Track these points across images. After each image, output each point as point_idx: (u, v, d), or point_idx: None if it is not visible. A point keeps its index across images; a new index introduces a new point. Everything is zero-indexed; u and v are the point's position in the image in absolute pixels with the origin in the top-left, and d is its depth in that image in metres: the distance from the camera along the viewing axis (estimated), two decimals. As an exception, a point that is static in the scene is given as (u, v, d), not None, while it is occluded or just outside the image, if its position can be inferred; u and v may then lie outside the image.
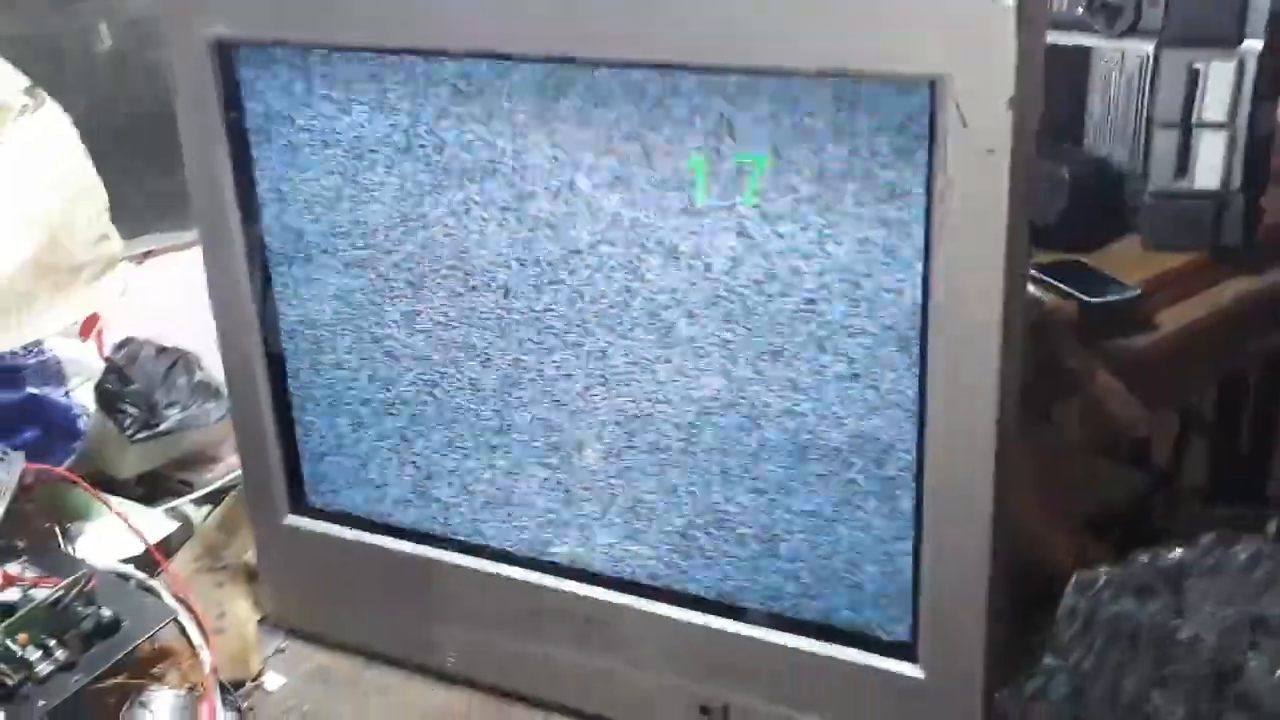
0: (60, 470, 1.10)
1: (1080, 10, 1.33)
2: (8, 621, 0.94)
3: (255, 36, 0.94)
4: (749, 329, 0.85)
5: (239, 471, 1.17)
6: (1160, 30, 1.28)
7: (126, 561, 1.08)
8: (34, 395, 1.12)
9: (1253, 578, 0.55)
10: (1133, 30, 1.31)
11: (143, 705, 0.96)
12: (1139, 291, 1.26)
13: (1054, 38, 1.28)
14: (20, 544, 1.07)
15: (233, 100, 0.96)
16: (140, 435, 1.22)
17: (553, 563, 0.99)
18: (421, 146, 0.91)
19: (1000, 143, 0.74)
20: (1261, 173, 1.29)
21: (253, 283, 1.01)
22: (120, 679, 0.96)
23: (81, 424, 1.14)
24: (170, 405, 1.25)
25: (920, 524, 0.85)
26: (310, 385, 1.03)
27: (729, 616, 0.94)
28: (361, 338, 0.99)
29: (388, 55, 0.90)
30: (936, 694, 0.88)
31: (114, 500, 1.13)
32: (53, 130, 1.14)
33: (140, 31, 1.46)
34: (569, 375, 0.92)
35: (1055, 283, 1.24)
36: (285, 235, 0.99)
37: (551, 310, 0.91)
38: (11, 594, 0.98)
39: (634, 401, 0.91)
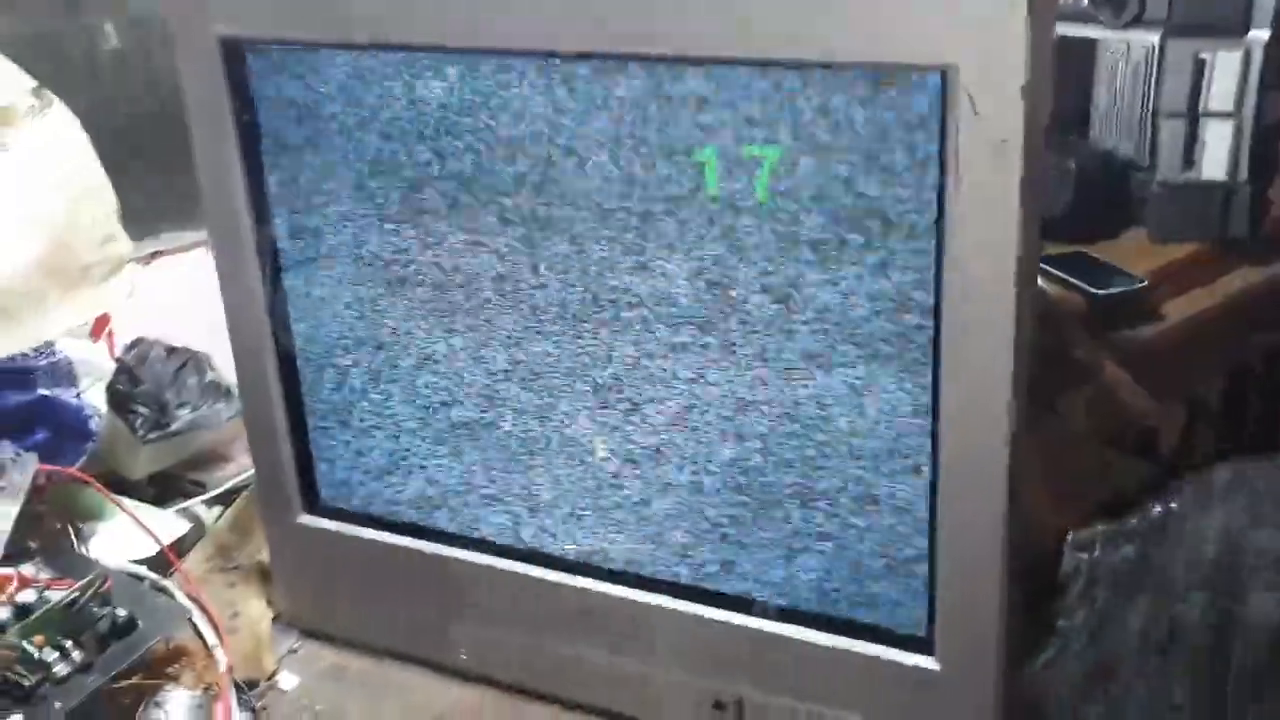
0: (73, 471, 1.10)
1: (1085, 2, 1.33)
2: (24, 623, 0.94)
3: (263, 35, 0.94)
4: (758, 327, 0.85)
5: (250, 472, 1.17)
6: (1165, 20, 1.28)
7: (139, 562, 1.09)
8: (45, 397, 1.12)
9: (1236, 506, 0.55)
10: (1138, 21, 1.31)
11: (158, 705, 0.96)
12: (1145, 283, 1.25)
13: (1059, 29, 1.28)
14: (34, 545, 1.07)
15: (243, 100, 0.96)
16: (151, 436, 1.22)
17: (566, 559, 0.99)
18: (431, 144, 0.91)
19: (1013, 132, 0.74)
20: (1268, 163, 1.29)
21: (264, 281, 1.01)
22: (136, 679, 0.96)
23: (93, 425, 1.14)
24: (181, 406, 1.25)
25: (935, 517, 0.85)
26: (322, 384, 1.03)
27: (744, 612, 0.94)
28: (374, 335, 0.99)
29: (396, 52, 0.90)
30: (952, 686, 0.88)
31: (126, 502, 1.13)
32: (60, 131, 1.14)
33: (144, 32, 1.46)
34: (582, 373, 0.92)
35: (1061, 274, 1.24)
36: (297, 233, 0.99)
37: (564, 308, 0.91)
38: (27, 595, 0.98)
39: (647, 399, 0.91)
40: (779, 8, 0.77)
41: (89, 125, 1.19)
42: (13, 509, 1.03)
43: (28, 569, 1.03)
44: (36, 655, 0.93)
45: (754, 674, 0.95)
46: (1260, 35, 1.25)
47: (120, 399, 1.21)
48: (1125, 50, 1.34)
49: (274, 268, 1.01)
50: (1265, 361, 1.36)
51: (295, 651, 1.09)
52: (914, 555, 0.87)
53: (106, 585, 0.97)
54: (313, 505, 1.07)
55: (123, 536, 1.12)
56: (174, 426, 1.24)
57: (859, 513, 0.87)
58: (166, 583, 1.05)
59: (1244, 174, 1.28)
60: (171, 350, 1.28)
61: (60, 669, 0.93)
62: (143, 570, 1.07)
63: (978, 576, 0.84)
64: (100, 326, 1.17)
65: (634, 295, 0.88)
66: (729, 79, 0.80)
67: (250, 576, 1.13)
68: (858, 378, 0.84)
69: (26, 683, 0.91)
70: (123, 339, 1.26)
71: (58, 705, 0.91)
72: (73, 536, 1.11)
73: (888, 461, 0.85)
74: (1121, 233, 1.35)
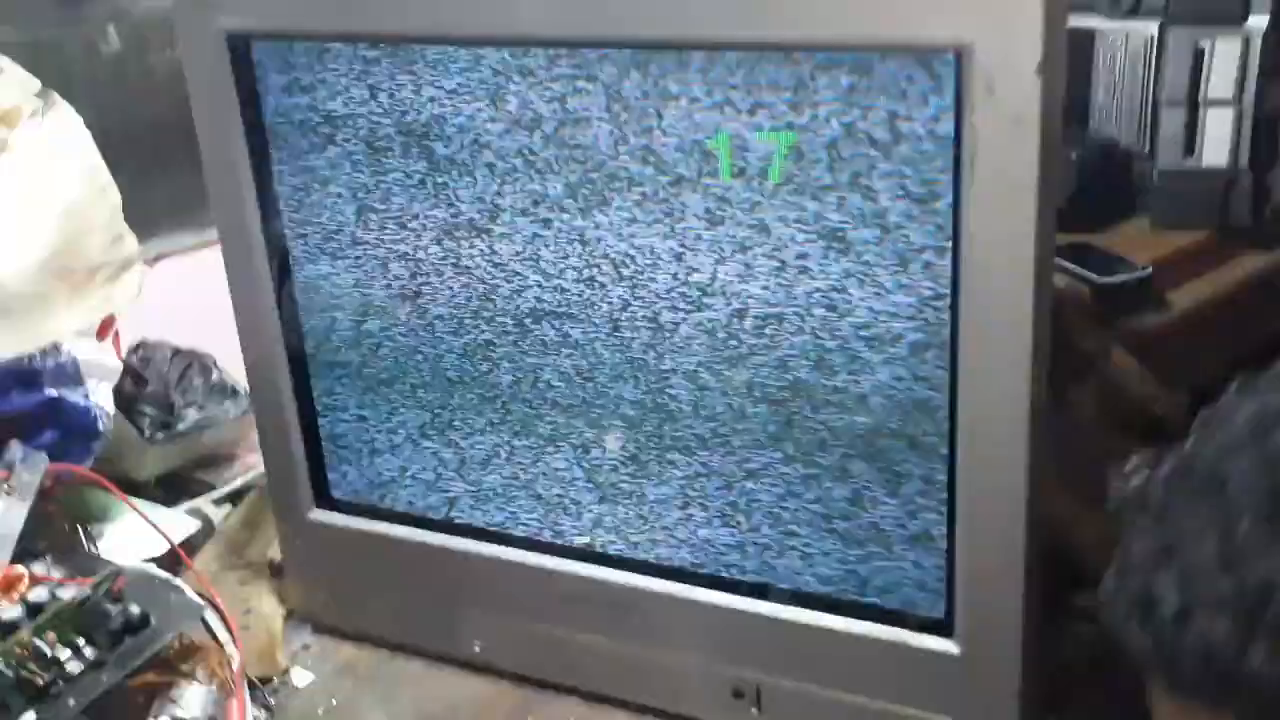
0: (83, 470, 1.10)
1: (1084, -8, 1.34)
2: (36, 621, 0.94)
3: (269, 28, 0.94)
4: (775, 310, 0.85)
5: (258, 470, 1.17)
6: (1164, 9, 1.29)
7: (149, 562, 1.08)
8: (53, 397, 1.11)
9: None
10: (1136, 10, 1.32)
11: (173, 701, 0.95)
12: (1149, 271, 1.26)
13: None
14: (44, 546, 1.07)
15: (249, 94, 0.96)
16: (158, 437, 1.22)
17: (580, 549, 0.99)
18: (441, 136, 0.91)
19: (1029, 111, 0.74)
20: (1269, 150, 1.30)
21: (273, 277, 1.01)
22: (150, 676, 0.95)
23: (101, 425, 1.13)
24: (187, 406, 1.25)
25: (954, 499, 0.85)
26: (332, 379, 1.03)
27: (761, 598, 0.94)
28: (383, 330, 0.99)
29: (405, 44, 0.90)
30: (972, 670, 0.88)
31: (135, 501, 1.13)
32: (65, 132, 1.14)
33: (146, 34, 1.46)
34: (594, 361, 0.92)
35: (1065, 264, 1.24)
36: (306, 228, 0.99)
37: (574, 298, 0.91)
38: (39, 593, 0.97)
39: (659, 384, 0.91)
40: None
41: (91, 129, 1.18)
42: (23, 508, 1.03)
43: (39, 568, 1.02)
44: (49, 653, 0.92)
45: (772, 661, 0.95)
46: (1259, 22, 1.25)
47: (126, 400, 1.21)
48: (1124, 40, 1.34)
49: (282, 262, 1.01)
50: (1270, 348, 1.36)
51: (308, 648, 1.09)
52: (933, 536, 0.87)
53: (119, 582, 0.97)
54: (324, 500, 1.07)
55: (132, 536, 1.11)
56: (180, 427, 1.24)
57: (876, 494, 0.87)
58: (178, 580, 1.05)
59: (1245, 161, 1.29)
60: (177, 351, 1.28)
61: (73, 666, 0.92)
62: (154, 568, 1.06)
63: (998, 557, 0.84)
64: (106, 327, 1.16)
65: (646, 279, 0.88)
66: (741, 62, 0.80)
67: (262, 573, 1.13)
68: (873, 362, 0.84)
69: (40, 680, 0.90)
70: (127, 341, 1.25)
71: (71, 703, 0.90)
72: (82, 537, 1.10)
73: (905, 441, 0.85)
74: (1123, 222, 1.35)
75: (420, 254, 0.95)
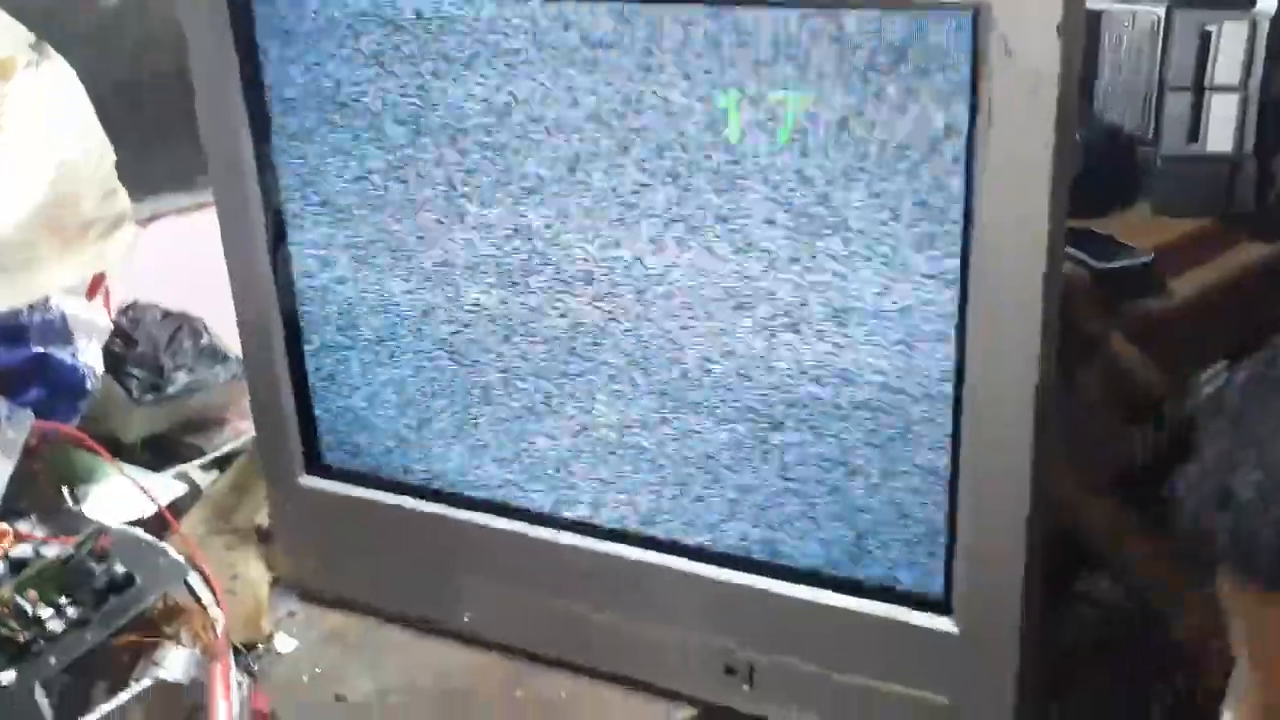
0: (69, 429, 1.08)
1: (1091, -27, 1.33)
2: (18, 578, 0.92)
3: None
4: (782, 277, 0.83)
5: (247, 436, 1.16)
6: (1171, -9, 1.28)
7: (135, 524, 1.06)
8: (40, 354, 1.10)
9: None
10: (1144, -9, 1.31)
11: (156, 663, 0.93)
12: (1151, 257, 1.25)
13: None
14: (28, 504, 1.05)
15: (247, 50, 0.94)
16: (146, 398, 1.20)
17: (574, 520, 0.97)
18: (445, 94, 0.89)
19: (1047, 73, 0.72)
20: (1275, 136, 1.29)
21: (268, 239, 0.99)
22: (133, 637, 0.93)
23: (88, 384, 1.12)
24: (177, 369, 1.23)
25: (956, 476, 0.84)
26: (325, 343, 1.01)
27: (756, 573, 0.92)
28: (379, 293, 0.97)
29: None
30: (970, 649, 0.87)
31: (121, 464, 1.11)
32: (59, 85, 1.12)
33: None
34: (592, 329, 0.90)
35: (1066, 249, 1.23)
36: (302, 187, 0.97)
37: (570, 258, 0.89)
38: (22, 550, 0.95)
39: (659, 352, 0.89)
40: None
41: (86, 87, 1.17)
42: (8, 465, 1.01)
43: (23, 525, 1.01)
44: (31, 611, 0.90)
45: (765, 637, 0.93)
46: (1267, 7, 1.25)
47: (115, 361, 1.20)
48: (1130, 21, 1.33)
49: (278, 224, 0.99)
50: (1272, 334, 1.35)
51: (294, 615, 1.08)
52: (933, 514, 0.85)
53: (103, 541, 0.95)
54: (315, 466, 1.05)
55: (118, 498, 1.10)
56: (169, 390, 1.22)
57: (876, 469, 0.86)
58: (164, 544, 1.03)
59: (1250, 147, 1.28)
60: (167, 314, 1.26)
61: (55, 625, 0.90)
62: (139, 531, 1.04)
63: (1000, 537, 0.83)
64: (96, 285, 1.14)
65: (649, 238, 0.87)
66: (755, 20, 0.78)
67: (249, 539, 1.12)
68: (879, 333, 0.82)
69: (21, 638, 0.89)
70: (118, 302, 1.24)
71: (53, 661, 0.88)
72: (68, 497, 1.08)
73: (909, 420, 0.84)
74: (1126, 208, 1.34)
75: (422, 217, 0.93)
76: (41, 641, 0.89)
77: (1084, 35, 0.76)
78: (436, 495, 1.02)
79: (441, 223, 0.93)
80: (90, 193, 1.10)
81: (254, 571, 1.09)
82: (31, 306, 1.09)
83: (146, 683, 0.90)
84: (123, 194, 1.12)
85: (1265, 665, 0.58)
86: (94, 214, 1.10)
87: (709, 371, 0.88)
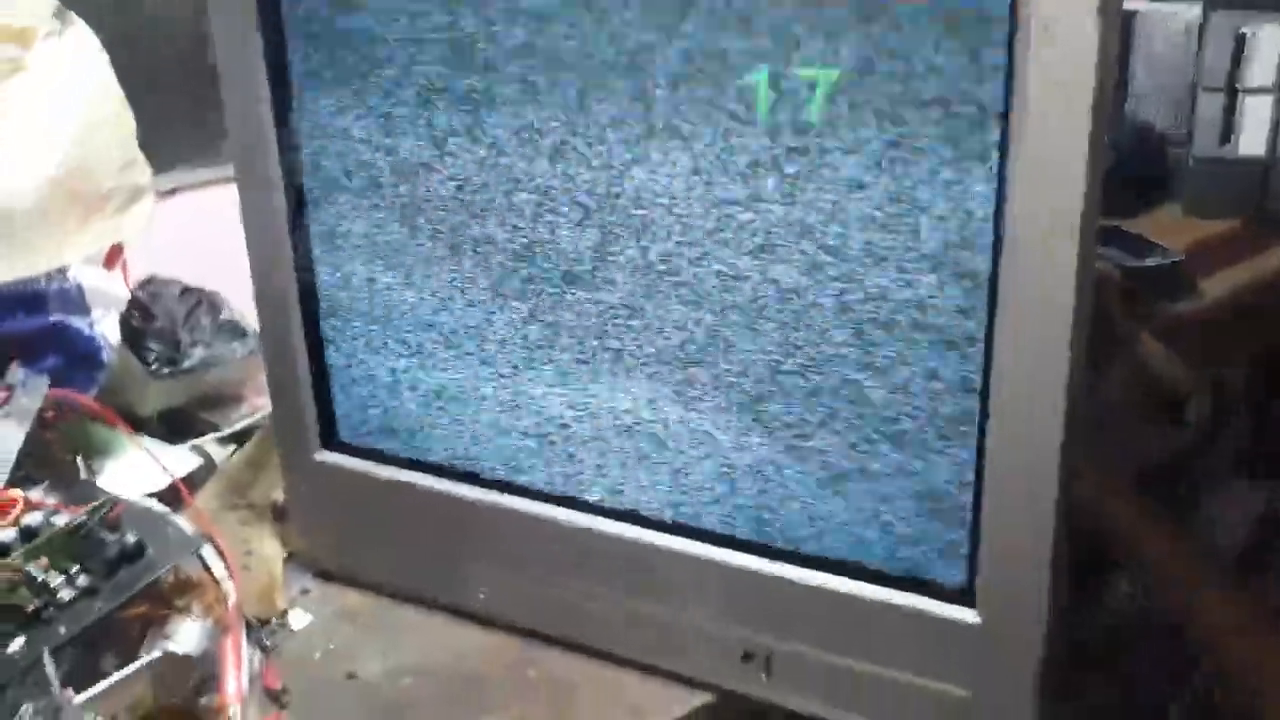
0: (85, 399, 1.07)
1: (1127, -30, 1.31)
2: (28, 546, 0.91)
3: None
4: (808, 259, 0.82)
5: (264, 412, 1.15)
6: (1208, -8, 1.27)
7: (149, 497, 1.06)
8: (57, 323, 1.09)
9: None
10: (1180, -8, 1.30)
11: (166, 636, 0.92)
12: (1181, 257, 1.24)
13: None
14: (42, 474, 1.04)
15: (271, 16, 0.93)
16: (163, 372, 1.20)
17: (590, 501, 0.96)
18: (466, 62, 0.88)
19: (1085, 57, 0.71)
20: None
21: (289, 213, 0.98)
22: (144, 608, 0.93)
23: (104, 354, 1.11)
24: (194, 344, 1.23)
25: (982, 464, 0.82)
26: (344, 318, 1.00)
27: (775, 559, 0.91)
28: (398, 268, 0.96)
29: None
30: (992, 641, 0.85)
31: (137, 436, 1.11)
32: (81, 53, 1.11)
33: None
34: (610, 306, 0.89)
35: (1097, 248, 1.22)
36: (324, 160, 0.96)
37: (591, 240, 0.88)
38: (34, 518, 0.94)
39: (684, 334, 0.88)
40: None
41: (109, 54, 1.16)
42: (20, 431, 1.00)
43: (35, 494, 1.00)
44: (40, 578, 0.89)
45: (784, 625, 0.92)
46: (1305, 10, 1.23)
47: (132, 335, 1.19)
48: (1165, 22, 1.32)
49: (299, 197, 0.98)
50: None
51: (308, 592, 1.07)
52: (958, 501, 0.84)
53: (116, 510, 0.94)
54: (331, 442, 1.04)
55: (132, 471, 1.09)
56: (186, 364, 1.22)
57: (900, 454, 0.85)
58: (177, 517, 1.02)
59: (1282, 149, 1.27)
60: (186, 289, 1.26)
61: (65, 594, 0.90)
62: (153, 502, 1.03)
63: (1026, 525, 0.82)
64: (114, 256, 1.14)
65: (673, 218, 0.85)
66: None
67: (264, 515, 1.11)
68: (907, 317, 0.81)
69: (30, 606, 0.88)
70: (136, 275, 1.23)
71: (62, 629, 0.88)
72: (82, 468, 1.08)
73: (935, 407, 0.82)
74: (1157, 207, 1.34)
75: (438, 186, 0.92)
76: (51, 609, 0.89)
77: (1120, 22, 0.74)
78: (453, 473, 1.00)
79: (469, 196, 0.92)
80: (110, 162, 1.09)
81: (268, 548, 1.08)
82: (49, 275, 1.08)
83: (156, 654, 0.89)
84: (143, 164, 1.12)
85: None
86: (114, 183, 1.10)
87: (733, 356, 0.87)
